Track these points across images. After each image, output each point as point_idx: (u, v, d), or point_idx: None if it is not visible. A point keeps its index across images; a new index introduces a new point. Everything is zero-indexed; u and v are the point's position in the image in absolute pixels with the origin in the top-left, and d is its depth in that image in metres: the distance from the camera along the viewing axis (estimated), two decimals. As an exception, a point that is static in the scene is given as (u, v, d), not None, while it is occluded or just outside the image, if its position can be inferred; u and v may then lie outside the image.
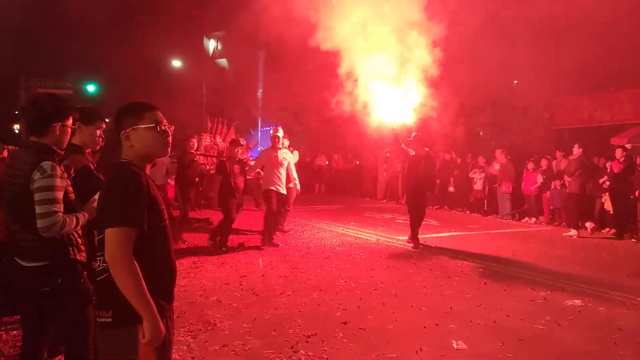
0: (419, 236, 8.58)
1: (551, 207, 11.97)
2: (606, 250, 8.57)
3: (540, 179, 12.10)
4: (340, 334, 4.37)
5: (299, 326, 4.54)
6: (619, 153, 10.37)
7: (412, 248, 8.30)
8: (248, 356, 3.93)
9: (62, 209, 2.69)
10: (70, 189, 2.87)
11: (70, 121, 2.90)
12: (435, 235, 9.73)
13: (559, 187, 11.52)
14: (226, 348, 4.05)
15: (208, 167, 10.78)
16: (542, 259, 7.64)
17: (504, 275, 6.60)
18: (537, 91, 15.62)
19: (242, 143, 8.33)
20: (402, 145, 8.65)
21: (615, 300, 5.54)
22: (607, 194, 10.54)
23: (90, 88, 29.13)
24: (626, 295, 5.73)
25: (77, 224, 2.78)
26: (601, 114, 15.80)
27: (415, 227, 8.50)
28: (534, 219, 12.31)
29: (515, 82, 18.01)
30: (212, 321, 4.64)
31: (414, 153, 8.64)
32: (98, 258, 2.04)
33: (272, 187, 8.20)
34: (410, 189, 8.78)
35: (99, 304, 2.04)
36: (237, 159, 8.11)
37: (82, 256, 2.86)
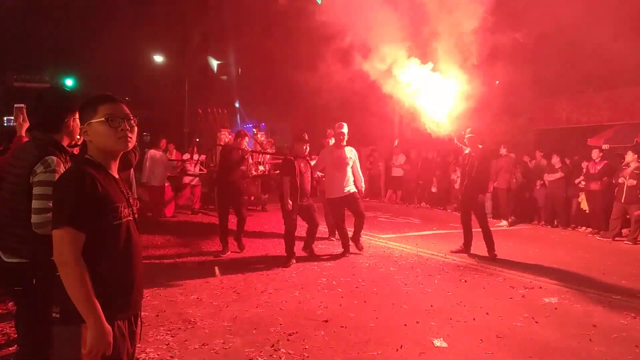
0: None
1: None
2: (583, 249, 8.72)
3: (519, 178, 12.24)
4: (322, 332, 4.38)
5: (280, 324, 4.54)
6: (595, 154, 10.57)
7: (455, 252, 7.77)
8: (228, 355, 3.91)
9: None
10: None
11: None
12: (416, 233, 9.81)
13: (538, 187, 11.70)
14: (206, 347, 4.03)
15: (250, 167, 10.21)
16: (521, 257, 7.75)
17: (484, 273, 6.67)
18: (518, 92, 15.80)
19: (306, 138, 7.27)
20: (456, 141, 7.84)
21: (591, 298, 5.64)
22: (583, 193, 10.74)
23: (69, 82, 28.57)
24: (601, 292, 5.85)
25: None
26: (578, 115, 16.08)
27: (467, 233, 7.84)
28: (512, 218, 12.45)
29: (497, 82, 18.19)
30: (192, 320, 4.61)
31: (468, 151, 7.83)
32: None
33: (339, 195, 7.44)
34: (463, 191, 8.03)
35: (53, 299, 2.05)
36: (304, 157, 7.24)
37: None
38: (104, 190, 2.04)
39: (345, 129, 7.55)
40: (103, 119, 2.09)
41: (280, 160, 13.01)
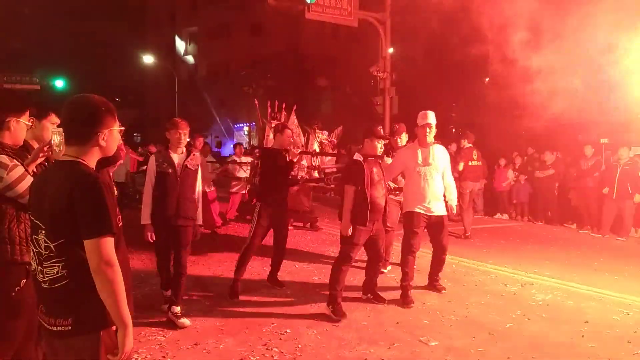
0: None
1: (514, 202, 12.19)
2: (574, 245, 8.75)
3: (511, 175, 12.29)
4: (314, 331, 4.37)
5: (272, 324, 4.52)
6: (588, 150, 10.61)
7: None
8: (221, 354, 3.89)
9: None
10: None
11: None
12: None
13: (522, 182, 11.77)
14: (198, 346, 4.01)
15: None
16: (513, 254, 7.77)
17: (476, 270, 6.68)
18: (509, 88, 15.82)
19: (381, 132, 5.03)
20: None
21: (583, 294, 5.66)
22: (574, 190, 10.78)
23: (59, 83, 28.43)
24: (593, 289, 5.86)
25: None
26: (569, 111, 16.12)
27: None
28: (506, 215, 12.50)
29: (487, 79, 18.24)
30: (184, 320, 4.58)
31: None
32: (54, 264, 1.95)
33: (420, 210, 5.39)
34: None
35: (55, 312, 1.97)
36: (376, 160, 5.02)
37: None
38: (112, 193, 2.05)
39: (432, 119, 5.42)
40: (122, 127, 2.19)
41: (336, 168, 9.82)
